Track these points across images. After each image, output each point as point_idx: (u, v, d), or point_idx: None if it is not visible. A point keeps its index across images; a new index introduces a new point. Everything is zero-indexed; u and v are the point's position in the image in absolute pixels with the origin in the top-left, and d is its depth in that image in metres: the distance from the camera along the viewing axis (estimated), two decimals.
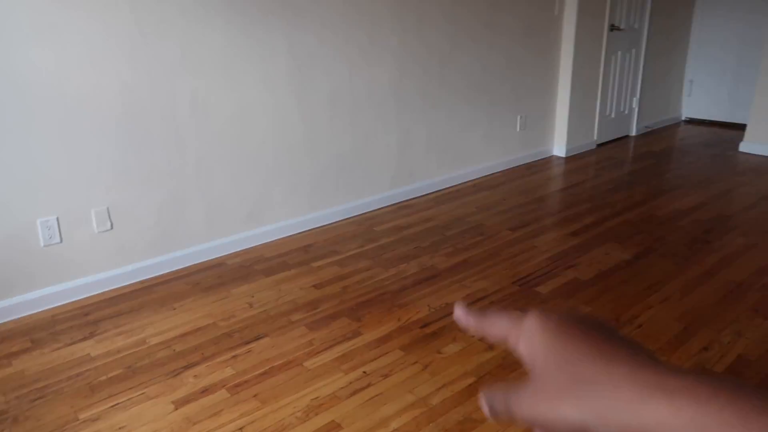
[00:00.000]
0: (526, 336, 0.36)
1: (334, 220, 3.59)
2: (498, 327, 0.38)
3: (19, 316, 2.61)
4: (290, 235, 3.40)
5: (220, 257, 3.14)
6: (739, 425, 0.27)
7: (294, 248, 3.23)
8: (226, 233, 3.18)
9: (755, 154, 4.80)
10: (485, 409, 0.35)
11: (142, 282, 2.89)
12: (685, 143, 5.32)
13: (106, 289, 2.82)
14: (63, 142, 2.56)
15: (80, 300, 2.73)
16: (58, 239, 2.65)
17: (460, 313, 0.41)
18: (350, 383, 2.05)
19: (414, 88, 3.80)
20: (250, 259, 3.11)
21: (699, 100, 6.04)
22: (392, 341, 2.28)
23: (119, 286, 2.85)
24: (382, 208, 3.80)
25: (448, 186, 4.20)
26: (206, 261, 3.10)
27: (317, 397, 1.98)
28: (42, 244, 2.61)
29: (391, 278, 2.81)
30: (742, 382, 0.28)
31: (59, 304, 2.70)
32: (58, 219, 2.62)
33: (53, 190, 2.59)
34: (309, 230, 3.46)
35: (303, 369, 2.14)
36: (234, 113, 3.04)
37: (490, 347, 2.22)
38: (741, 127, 5.28)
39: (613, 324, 2.33)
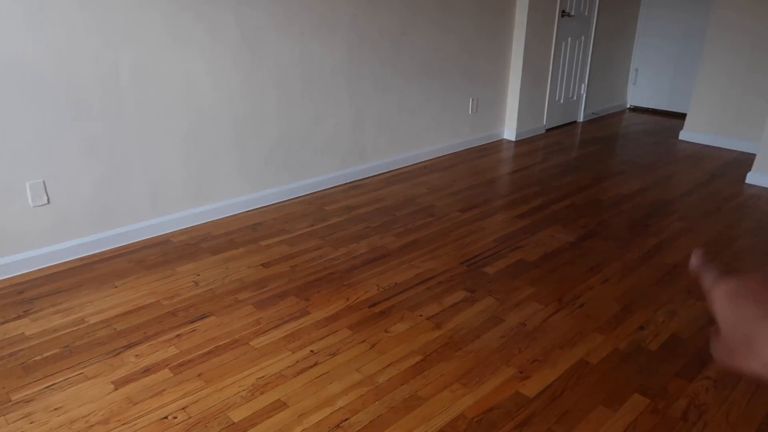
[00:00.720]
0: (716, 298, 0.43)
1: (283, 199, 3.54)
2: (705, 283, 0.46)
3: None
4: (238, 213, 3.33)
5: (165, 234, 3.05)
6: None
7: (242, 226, 3.17)
8: (171, 210, 3.09)
9: (694, 143, 5.00)
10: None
11: (81, 259, 2.78)
12: (629, 130, 5.49)
13: (43, 266, 2.70)
14: None
15: (14, 277, 2.61)
16: None
17: (695, 261, 0.49)
18: (297, 362, 2.04)
19: (366, 68, 3.77)
20: (196, 236, 3.04)
21: (643, 88, 6.24)
22: (340, 320, 2.28)
23: (57, 262, 2.73)
24: (332, 187, 3.77)
25: (399, 167, 4.20)
26: (150, 238, 3.00)
27: (263, 376, 1.96)
28: None
29: (341, 258, 2.80)
30: None
31: None
32: None
33: None
34: (258, 208, 3.40)
35: (249, 348, 2.11)
36: (179, 86, 2.93)
37: (437, 326, 2.24)
38: (681, 116, 5.49)
39: (556, 302, 2.40)
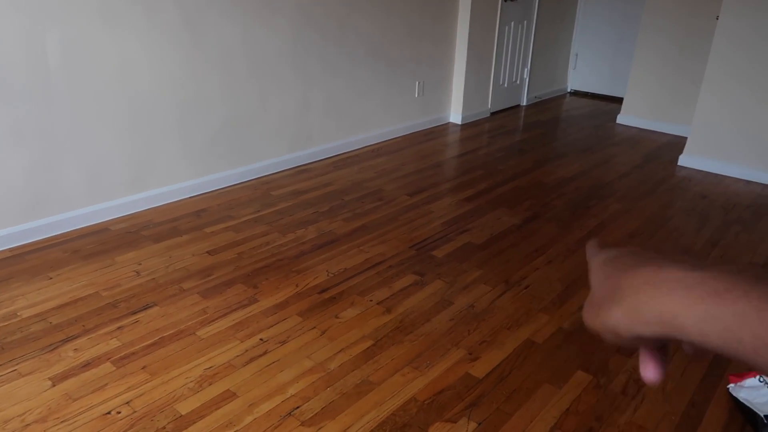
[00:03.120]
0: (592, 266, 0.43)
1: (228, 184, 3.45)
2: (589, 258, 0.45)
3: None
4: (181, 200, 3.23)
5: (103, 222, 2.92)
6: (754, 314, 0.27)
7: (185, 213, 3.07)
8: (109, 197, 2.96)
9: (630, 126, 5.18)
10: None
11: (11, 250, 2.63)
12: (570, 114, 5.64)
13: None
14: None
15: None
16: None
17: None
18: (246, 351, 2.00)
19: (312, 51, 3.70)
20: (137, 224, 2.92)
21: (583, 73, 6.40)
22: (290, 307, 2.25)
23: None
24: (279, 172, 3.70)
25: (347, 151, 4.17)
26: (87, 227, 2.87)
27: (211, 367, 1.92)
28: None
29: (289, 244, 2.76)
30: (762, 272, 0.29)
31: None
32: None
33: None
34: (201, 194, 3.30)
35: (196, 338, 2.06)
36: (114, 68, 2.79)
37: (388, 311, 2.25)
38: (620, 101, 5.68)
39: (503, 284, 2.45)
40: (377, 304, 2.29)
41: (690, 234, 3.06)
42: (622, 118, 5.28)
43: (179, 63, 3.03)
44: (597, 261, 0.42)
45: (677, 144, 4.61)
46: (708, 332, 0.29)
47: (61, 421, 1.69)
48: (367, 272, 2.52)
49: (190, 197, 3.26)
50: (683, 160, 4.19)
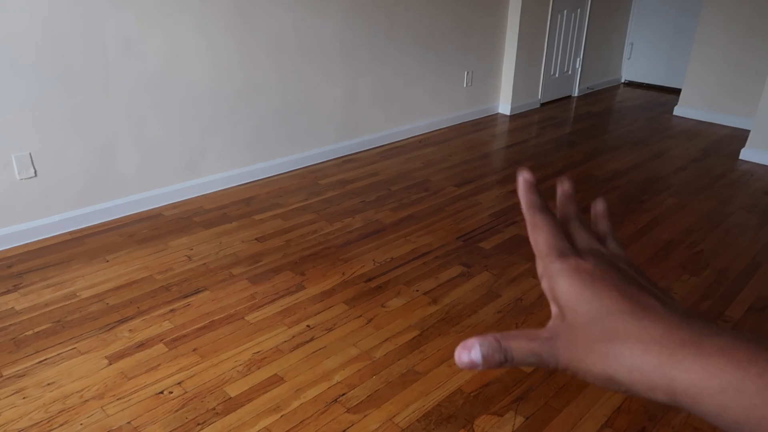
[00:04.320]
0: (558, 278, 0.33)
1: (277, 173, 3.49)
2: (537, 247, 0.35)
3: None
4: (231, 187, 3.29)
5: (157, 208, 3.01)
6: None
7: (235, 200, 3.12)
8: (162, 183, 3.04)
9: (688, 118, 4.98)
10: (476, 357, 0.32)
11: (71, 233, 2.73)
12: (624, 105, 5.46)
13: (31, 240, 2.65)
14: None
15: (2, 251, 2.56)
16: None
17: (523, 180, 0.39)
18: (293, 337, 2.02)
19: (360, 40, 3.69)
20: (188, 210, 3.00)
21: (638, 63, 6.19)
22: (336, 295, 2.26)
23: (45, 237, 2.68)
24: (326, 161, 3.72)
25: (393, 140, 4.15)
26: (141, 212, 2.96)
27: (259, 351, 1.95)
28: None
29: (336, 232, 2.77)
30: None
31: None
32: None
33: None
34: (251, 182, 3.36)
35: (245, 323, 2.10)
36: (169, 56, 2.85)
37: (434, 301, 2.24)
38: (676, 92, 5.46)
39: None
40: (423, 294, 2.28)
41: (750, 232, 2.92)
42: (679, 110, 5.08)
43: (232, 51, 3.07)
44: (574, 270, 0.32)
45: (738, 137, 4.40)
46: (728, 405, 0.26)
47: (117, 399, 1.75)
48: (413, 262, 2.51)
49: (240, 185, 3.32)
50: (745, 154, 4.00)
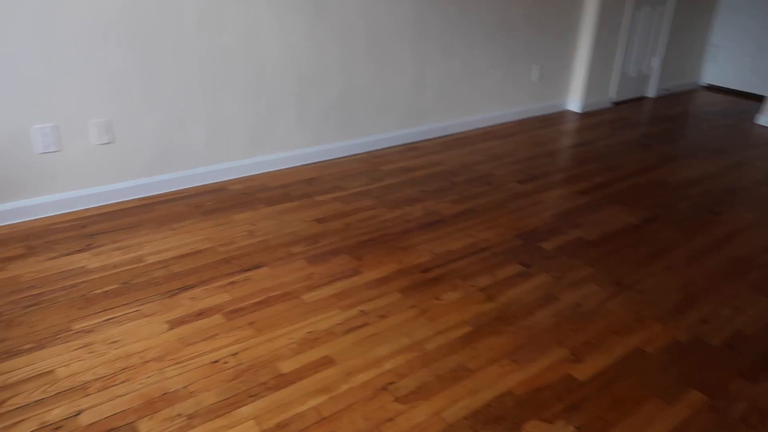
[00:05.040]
0: None
1: (339, 156, 3.51)
2: None
3: (14, 222, 2.57)
4: (294, 167, 3.33)
5: (222, 182, 3.08)
6: None
7: (297, 180, 3.16)
8: (228, 158, 3.11)
9: None
10: None
11: (141, 199, 2.84)
12: (703, 110, 5.20)
13: (104, 203, 2.77)
14: (66, 51, 2.44)
15: (77, 211, 2.69)
16: (55, 147, 2.57)
17: None
18: (347, 320, 2.04)
19: (431, 29, 3.64)
20: (252, 186, 3.06)
21: (720, 66, 5.87)
22: (391, 283, 2.27)
23: (118, 201, 2.80)
24: (389, 147, 3.72)
25: (458, 131, 4.10)
26: (208, 184, 3.04)
27: (313, 331, 1.98)
28: (37, 151, 2.54)
29: (395, 220, 2.77)
30: None
31: (56, 213, 2.66)
32: (55, 127, 2.54)
33: (51, 97, 2.49)
34: (314, 163, 3.39)
35: (300, 302, 2.13)
36: (242, 34, 2.90)
37: (489, 298, 2.20)
38: (760, 99, 5.15)
39: (614, 285, 2.32)
40: (479, 290, 2.25)
41: None
42: (763, 119, 4.79)
43: (303, 33, 3.09)
44: None
45: None
46: None
47: (175, 363, 1.81)
48: (471, 257, 2.47)
49: (303, 165, 3.36)
50: None
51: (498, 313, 2.12)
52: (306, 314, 2.06)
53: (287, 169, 3.30)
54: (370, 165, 3.42)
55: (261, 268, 2.33)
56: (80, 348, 1.85)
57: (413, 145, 3.78)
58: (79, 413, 1.61)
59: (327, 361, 1.85)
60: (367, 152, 3.61)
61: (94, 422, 1.58)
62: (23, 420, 1.58)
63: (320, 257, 2.42)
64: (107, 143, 2.70)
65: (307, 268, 2.34)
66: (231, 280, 2.24)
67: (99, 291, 2.14)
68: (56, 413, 1.61)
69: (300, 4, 3.02)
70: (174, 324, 1.98)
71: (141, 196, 2.87)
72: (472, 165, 3.52)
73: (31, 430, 1.55)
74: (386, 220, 2.76)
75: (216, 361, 1.83)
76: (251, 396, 1.70)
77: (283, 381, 1.76)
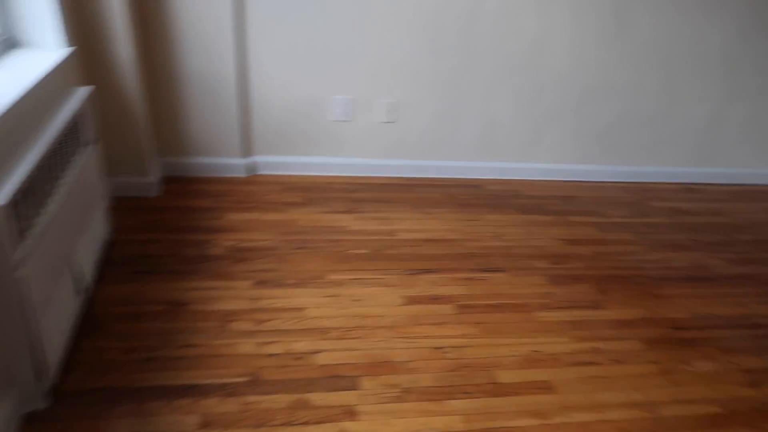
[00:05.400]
0: None
1: (603, 179, 3.30)
2: None
3: (302, 174, 2.96)
4: (554, 180, 3.23)
5: (480, 179, 3.14)
6: None
7: (554, 195, 3.07)
8: (492, 158, 3.14)
9: None
10: None
11: (406, 179, 3.04)
12: None
13: (374, 174, 3.03)
14: (371, 34, 2.70)
15: (350, 177, 2.99)
16: (346, 117, 2.88)
17: None
18: (576, 352, 1.92)
19: (748, 59, 3.16)
20: (508, 190, 3.05)
21: None
22: (635, 329, 2.06)
23: (385, 175, 3.04)
24: (662, 183, 3.37)
25: (755, 183, 3.53)
26: (467, 179, 3.12)
27: (538, 351, 1.91)
28: (332, 118, 2.87)
29: (654, 263, 2.51)
30: None
31: (334, 174, 2.99)
32: (351, 100, 2.84)
33: (354, 74, 2.78)
34: (575, 181, 3.25)
35: (532, 317, 2.07)
36: (534, 39, 2.87)
37: (753, 384, 1.87)
38: None
39: None
40: (742, 371, 1.92)
41: None
42: None
43: (596, 48, 2.95)
44: None
45: None
46: None
47: (402, 337, 1.91)
48: (740, 330, 2.12)
49: (564, 181, 3.24)
50: None
51: (760, 405, 1.79)
52: (535, 332, 2.00)
53: (546, 181, 3.22)
54: (636, 197, 3.15)
55: (500, 272, 2.32)
56: (329, 296, 2.07)
57: (693, 187, 3.37)
58: (317, 352, 1.80)
59: (546, 386, 1.77)
60: (635, 182, 3.33)
61: (326, 364, 1.76)
62: (274, 342, 1.82)
63: (562, 279, 2.31)
64: (390, 122, 2.94)
65: (546, 286, 2.26)
66: (469, 276, 2.27)
67: (353, 251, 2.36)
68: (300, 346, 1.82)
69: (602, 19, 2.88)
70: (409, 301, 2.09)
71: (406, 175, 3.07)
72: (765, 224, 3.00)
73: (278, 352, 1.78)
74: (643, 261, 2.51)
75: (439, 348, 1.88)
76: (465, 393, 1.71)
77: (497, 389, 1.74)
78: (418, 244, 2.45)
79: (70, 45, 1.99)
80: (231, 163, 2.83)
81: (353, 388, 1.69)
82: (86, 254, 1.84)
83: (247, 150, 2.85)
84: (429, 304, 2.08)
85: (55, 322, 1.53)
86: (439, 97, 2.92)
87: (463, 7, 2.71)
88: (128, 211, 2.43)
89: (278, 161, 2.92)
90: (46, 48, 1.93)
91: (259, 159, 2.89)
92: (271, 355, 1.76)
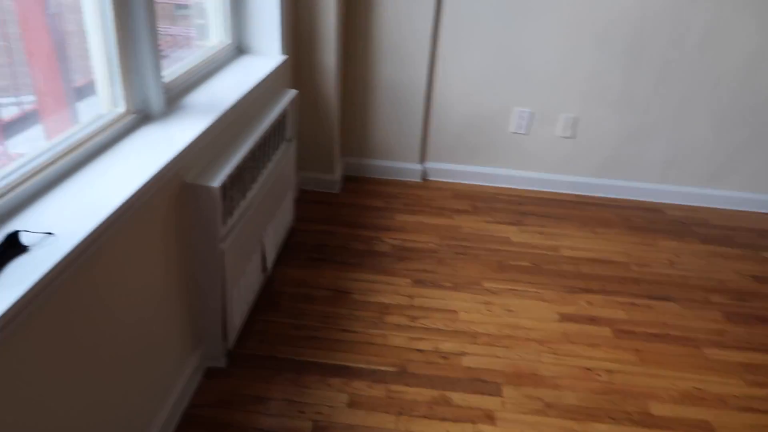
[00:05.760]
0: None
1: None
2: None
3: (472, 183, 3.04)
4: (747, 211, 2.91)
5: (661, 203, 2.95)
6: None
7: (746, 226, 2.77)
8: (678, 181, 2.93)
9: None
10: None
11: (577, 196, 2.97)
12: None
13: (544, 189, 3.01)
14: (557, 44, 2.68)
15: (519, 189, 3.00)
16: (524, 130, 2.90)
17: None
18: (748, 397, 1.75)
19: None
20: (692, 218, 2.83)
21: None
22: None
23: (556, 191, 3.00)
24: None
25: None
26: (645, 201, 2.96)
27: (701, 389, 1.77)
28: (511, 130, 2.91)
29: None
30: None
31: (504, 185, 3.03)
32: (531, 113, 2.85)
33: (535, 88, 2.79)
34: None
35: (699, 353, 1.92)
36: (744, 59, 2.62)
37: None
38: None
39: None
40: None
41: None
42: None
43: None
44: None
45: None
46: None
47: (553, 353, 1.90)
48: None
49: (760, 212, 2.90)
50: None
51: None
52: (700, 368, 1.85)
53: (739, 211, 2.91)
54: None
55: (669, 301, 2.18)
56: (482, 303, 2.12)
57: None
58: (463, 354, 1.88)
59: (705, 427, 1.64)
60: None
61: (472, 367, 1.82)
62: (423, 339, 1.93)
63: (742, 317, 2.10)
64: (568, 137, 2.89)
65: (721, 322, 2.07)
66: (633, 301, 2.17)
67: (513, 263, 2.38)
68: (448, 346, 1.91)
69: None
70: (564, 318, 2.07)
71: (578, 192, 3.00)
72: None
73: (427, 348, 1.89)
74: None
75: (590, 369, 1.84)
76: (611, 418, 1.66)
77: (649, 420, 1.66)
78: (580, 263, 2.40)
79: (285, 53, 2.31)
80: (407, 168, 3.02)
81: (495, 394, 1.73)
82: (273, 238, 2.13)
83: (422, 156, 3.02)
84: (584, 324, 2.04)
85: (242, 294, 1.81)
86: (625, 114, 2.81)
87: (667, 21, 2.58)
88: (311, 204, 2.73)
89: (449, 168, 3.04)
90: (267, 55, 2.27)
91: (431, 165, 3.04)
92: (419, 351, 1.87)
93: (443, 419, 1.63)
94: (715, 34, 2.58)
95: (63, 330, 1.04)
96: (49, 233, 1.01)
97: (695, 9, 2.55)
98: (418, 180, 3.03)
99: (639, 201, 2.95)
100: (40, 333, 0.97)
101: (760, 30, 2.56)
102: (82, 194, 1.14)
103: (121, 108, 1.46)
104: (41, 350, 0.98)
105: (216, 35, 2.17)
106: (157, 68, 1.50)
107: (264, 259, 2.01)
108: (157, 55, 1.49)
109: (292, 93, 2.23)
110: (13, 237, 0.96)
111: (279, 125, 2.07)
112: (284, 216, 2.27)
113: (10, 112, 1.29)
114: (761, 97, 2.69)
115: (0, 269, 0.91)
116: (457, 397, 1.70)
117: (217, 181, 1.48)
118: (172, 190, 1.41)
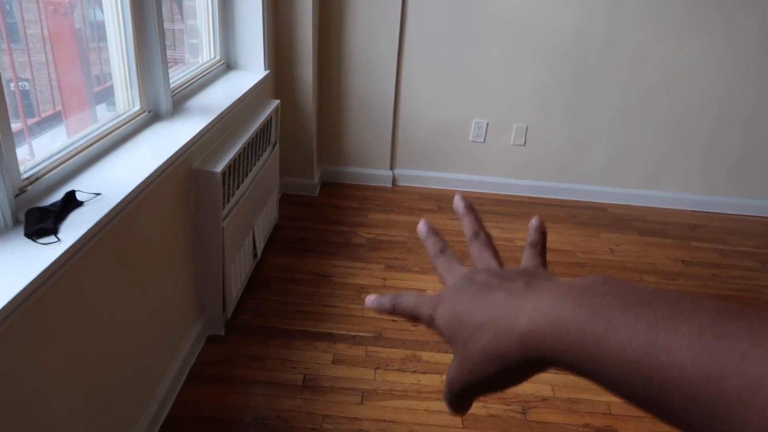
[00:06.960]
0: (439, 313, 0.36)
1: (735, 212, 3.28)
2: (408, 303, 0.39)
3: (437, 187, 3.36)
4: (679, 209, 3.29)
5: (604, 203, 3.30)
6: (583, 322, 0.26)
7: (679, 222, 3.14)
8: (618, 184, 3.30)
9: None
10: (374, 303, 0.40)
11: (531, 198, 3.31)
12: None
13: (502, 192, 3.34)
14: (507, 63, 3.05)
15: (481, 192, 3.33)
16: (482, 139, 3.24)
17: (370, 301, 0.42)
18: None
19: None
20: (631, 215, 3.19)
21: None
22: None
23: (512, 193, 3.33)
24: None
25: None
26: (590, 202, 3.31)
27: None
28: (470, 139, 3.25)
29: None
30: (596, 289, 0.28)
31: (466, 189, 3.35)
32: (487, 124, 3.20)
33: (490, 101, 3.14)
34: (703, 211, 3.28)
35: None
36: (668, 71, 3.02)
37: None
38: None
39: None
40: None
41: None
42: None
43: (736, 80, 3.01)
44: (445, 300, 0.36)
45: None
46: (568, 336, 0.27)
47: None
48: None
49: (691, 210, 3.29)
50: None
51: None
52: None
53: (672, 209, 3.29)
54: None
55: None
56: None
57: None
58: None
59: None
60: None
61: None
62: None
63: None
64: (520, 145, 3.24)
65: None
66: None
67: None
68: None
69: (746, 55, 2.95)
70: None
71: (531, 195, 3.34)
72: None
73: (399, 318, 2.16)
74: (763, 286, 2.53)
75: None
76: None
77: None
78: None
79: (267, 68, 2.60)
80: (379, 174, 3.31)
81: None
82: (261, 229, 2.39)
83: (392, 163, 3.32)
84: None
85: (238, 272, 2.06)
86: (571, 124, 3.17)
87: (601, 41, 2.97)
88: (292, 205, 2.99)
89: (417, 174, 3.35)
90: (253, 70, 2.56)
91: (400, 172, 3.35)
92: (393, 320, 2.14)
93: (414, 372, 1.89)
94: (641, 52, 2.98)
95: (108, 268, 1.29)
96: (98, 194, 1.26)
97: (624, 31, 2.94)
98: (389, 185, 3.33)
99: (585, 201, 3.30)
100: (93, 270, 1.23)
101: (678, 48, 2.97)
102: (117, 168, 1.40)
103: (137, 106, 1.72)
104: (95, 284, 1.24)
105: (208, 53, 2.46)
106: (166, 74, 1.77)
107: (254, 246, 2.27)
108: (166, 64, 1.77)
109: (275, 103, 2.51)
110: (71, 195, 1.22)
111: (265, 129, 2.35)
112: (270, 212, 2.54)
113: (46, 110, 1.55)
114: (683, 107, 3.09)
115: (65, 217, 1.17)
116: (426, 355, 1.98)
117: (219, 167, 1.74)
118: (181, 174, 1.67)
